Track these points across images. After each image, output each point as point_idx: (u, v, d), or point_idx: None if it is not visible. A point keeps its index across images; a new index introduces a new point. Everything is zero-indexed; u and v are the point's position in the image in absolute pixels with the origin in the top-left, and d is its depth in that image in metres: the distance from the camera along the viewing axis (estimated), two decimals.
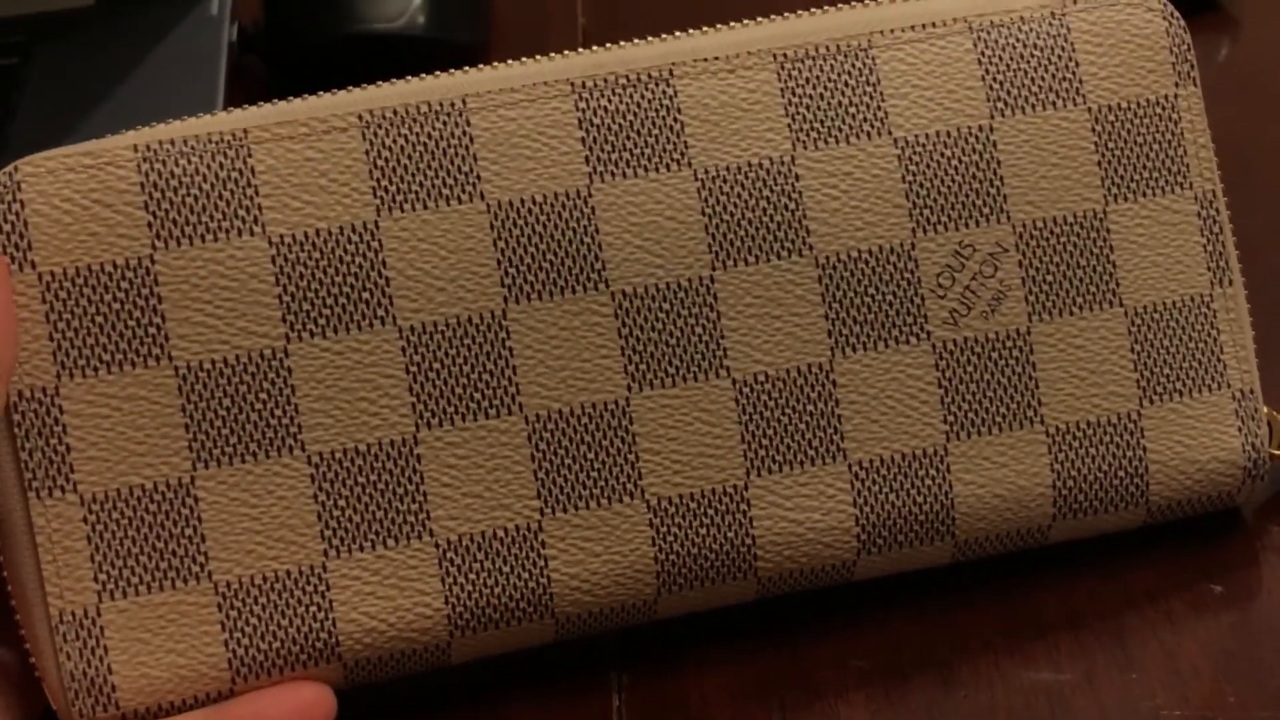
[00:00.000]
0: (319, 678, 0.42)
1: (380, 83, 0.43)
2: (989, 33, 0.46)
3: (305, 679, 0.43)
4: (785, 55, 0.45)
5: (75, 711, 0.41)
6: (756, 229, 0.44)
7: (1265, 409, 0.47)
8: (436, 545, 0.42)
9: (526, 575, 0.43)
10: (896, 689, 0.45)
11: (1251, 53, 0.52)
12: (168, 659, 0.41)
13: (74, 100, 0.58)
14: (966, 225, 0.45)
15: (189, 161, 0.42)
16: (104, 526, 0.41)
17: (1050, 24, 0.46)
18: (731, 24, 0.46)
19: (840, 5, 0.46)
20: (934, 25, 0.45)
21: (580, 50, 0.45)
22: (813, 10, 0.46)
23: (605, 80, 0.44)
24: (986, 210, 0.45)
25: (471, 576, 0.43)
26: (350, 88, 0.43)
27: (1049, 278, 0.45)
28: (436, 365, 0.42)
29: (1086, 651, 0.46)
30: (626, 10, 0.67)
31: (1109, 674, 0.45)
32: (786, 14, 0.46)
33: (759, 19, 0.45)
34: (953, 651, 0.46)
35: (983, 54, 0.45)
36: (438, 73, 0.44)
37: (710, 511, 0.44)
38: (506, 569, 0.43)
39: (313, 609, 0.42)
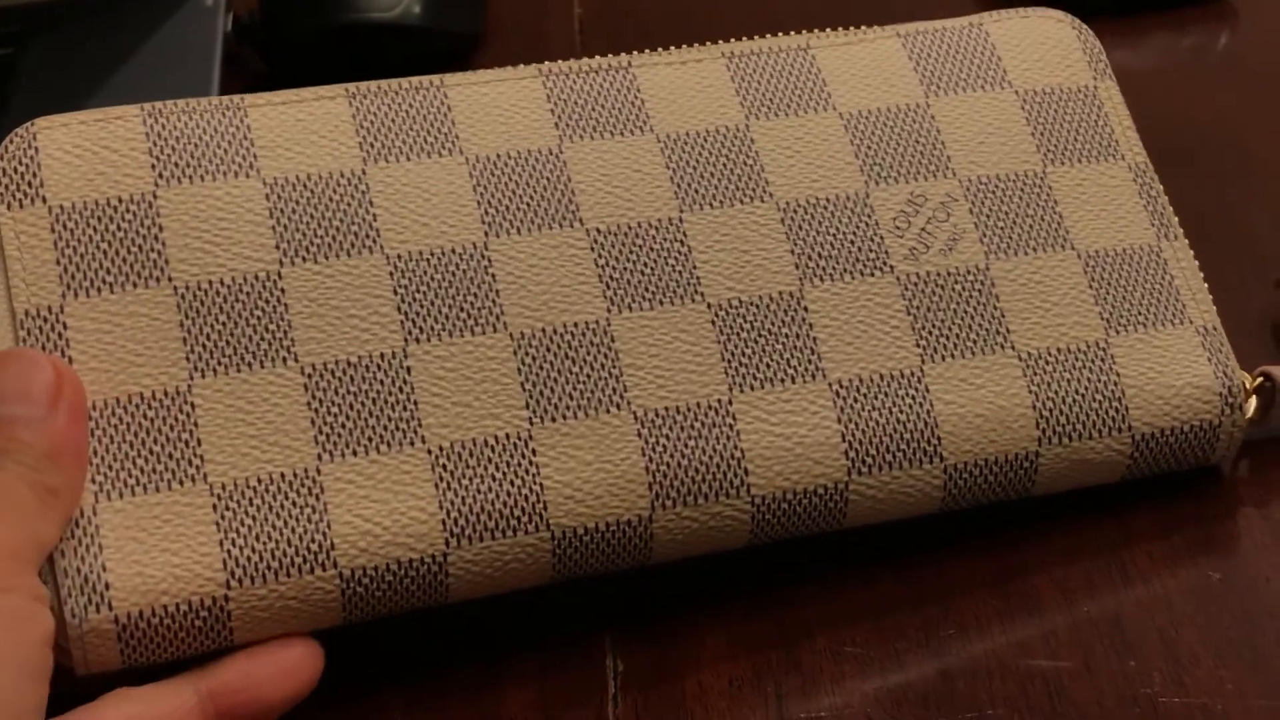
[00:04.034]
0: (316, 594, 0.42)
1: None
2: (915, 37, 0.51)
3: (295, 636, 0.42)
4: (733, 53, 0.49)
5: (68, 610, 0.40)
6: (719, 180, 0.47)
7: (1246, 374, 0.49)
8: (429, 451, 0.43)
9: (519, 481, 0.43)
10: (893, 675, 0.45)
11: (1250, 42, 0.54)
12: (162, 558, 0.41)
13: (68, 91, 0.59)
14: (915, 179, 0.48)
15: (190, 119, 0.45)
16: (103, 431, 0.42)
17: (969, 30, 0.51)
18: (683, 47, 0.50)
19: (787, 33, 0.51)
20: (864, 32, 0.51)
21: (547, 63, 0.49)
22: (766, 35, 0.51)
23: (570, 68, 0.48)
24: (933, 168, 0.48)
25: (464, 481, 0.43)
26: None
27: (1000, 223, 0.48)
28: (422, 288, 0.45)
29: (1084, 639, 0.46)
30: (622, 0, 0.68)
31: (1107, 661, 0.45)
32: (732, 39, 0.51)
33: (706, 43, 0.51)
34: (950, 638, 0.46)
35: (912, 51, 0.50)
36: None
37: (696, 424, 0.44)
38: (499, 474, 0.43)
39: (307, 510, 0.42)
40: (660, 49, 0.50)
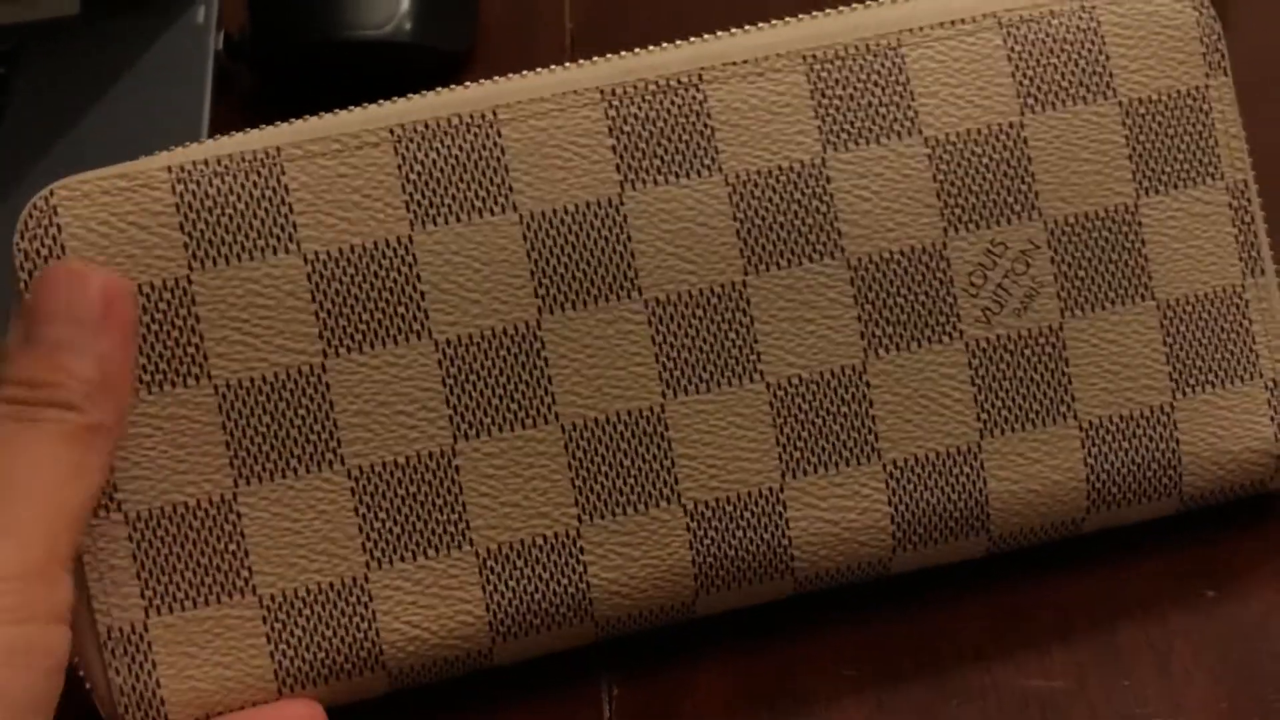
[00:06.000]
0: (364, 685, 0.43)
1: (411, 96, 0.44)
2: (1018, 28, 0.45)
3: (294, 698, 0.43)
4: (815, 56, 0.45)
5: None
6: (788, 233, 0.44)
7: None
8: (476, 554, 0.43)
9: (566, 581, 0.43)
10: (888, 697, 0.46)
11: (1245, 51, 0.52)
12: (215, 672, 0.42)
13: (60, 109, 0.58)
14: (998, 223, 0.45)
15: (223, 181, 0.42)
16: (149, 544, 0.42)
17: (1080, 17, 0.46)
18: (760, 25, 0.45)
19: (869, 4, 0.46)
20: (963, 21, 0.45)
21: (609, 56, 0.45)
22: (840, 9, 0.46)
23: (635, 87, 0.44)
24: (1018, 208, 0.45)
25: (512, 584, 0.43)
26: (381, 101, 0.43)
27: (1081, 273, 0.45)
28: (472, 377, 0.43)
29: (1079, 658, 0.46)
30: (614, 15, 0.66)
31: (1101, 681, 0.46)
32: (815, 13, 0.46)
33: (786, 19, 0.45)
34: (944, 659, 0.46)
35: (1012, 50, 0.45)
36: (468, 84, 0.44)
37: (746, 515, 0.44)
38: (546, 576, 0.43)
39: (356, 619, 0.43)
40: (734, 30, 0.45)
